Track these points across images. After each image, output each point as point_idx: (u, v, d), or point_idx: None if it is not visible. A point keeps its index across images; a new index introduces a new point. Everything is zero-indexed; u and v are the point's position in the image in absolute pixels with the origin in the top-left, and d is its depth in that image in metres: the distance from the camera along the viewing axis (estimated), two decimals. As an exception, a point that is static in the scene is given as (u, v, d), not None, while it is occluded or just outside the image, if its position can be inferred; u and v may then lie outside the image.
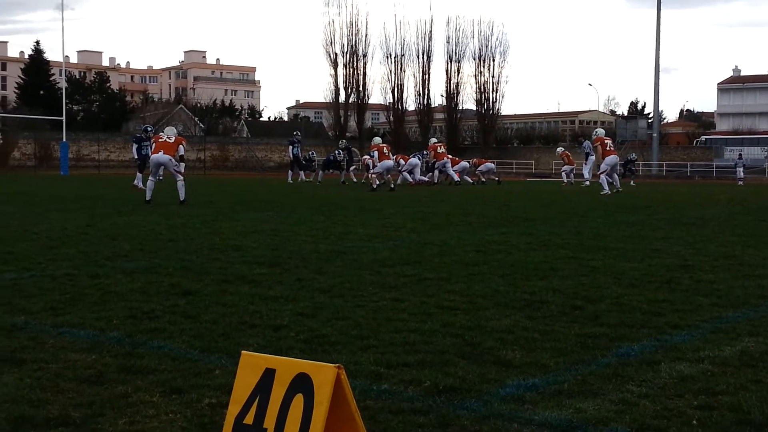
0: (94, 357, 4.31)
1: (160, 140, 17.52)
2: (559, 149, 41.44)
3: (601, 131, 25.28)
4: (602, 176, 23.69)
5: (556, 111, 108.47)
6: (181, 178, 17.37)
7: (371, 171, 27.02)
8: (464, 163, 33.25)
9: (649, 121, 68.30)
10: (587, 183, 31.00)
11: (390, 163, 26.58)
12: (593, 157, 33.18)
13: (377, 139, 28.63)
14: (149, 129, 28.38)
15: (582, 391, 3.82)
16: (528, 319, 5.40)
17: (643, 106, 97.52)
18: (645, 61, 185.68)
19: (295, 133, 36.30)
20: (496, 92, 71.34)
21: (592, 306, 5.84)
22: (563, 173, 36.40)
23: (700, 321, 5.40)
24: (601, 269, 7.64)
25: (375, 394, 3.72)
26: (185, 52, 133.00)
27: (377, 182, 25.24)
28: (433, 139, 35.58)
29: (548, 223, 12.96)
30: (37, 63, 77.08)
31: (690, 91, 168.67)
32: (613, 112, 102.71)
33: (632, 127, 66.40)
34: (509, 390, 3.81)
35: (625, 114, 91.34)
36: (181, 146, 17.38)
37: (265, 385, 2.79)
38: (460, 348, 4.59)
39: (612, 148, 23.94)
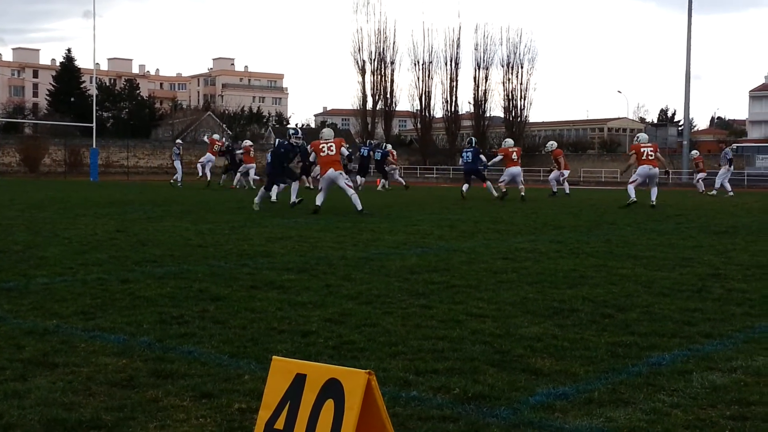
0: (124, 361, 4.35)
1: (322, 153, 16.34)
2: (694, 152, 35.36)
3: (643, 136, 21.86)
4: (630, 186, 21.00)
5: (585, 118, 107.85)
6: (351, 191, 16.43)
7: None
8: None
9: (680, 128, 67.76)
10: (714, 192, 30.22)
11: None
12: (729, 167, 31.41)
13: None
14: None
15: (613, 400, 3.78)
16: (557, 327, 5.37)
17: (673, 114, 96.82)
18: (675, 68, 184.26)
19: (368, 141, 37.74)
20: (524, 99, 71.26)
21: (623, 315, 5.79)
22: (698, 181, 32.77)
23: (732, 330, 5.33)
24: (631, 278, 7.58)
25: (404, 401, 3.71)
26: (214, 60, 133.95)
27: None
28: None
29: (577, 231, 12.88)
30: (68, 70, 78.04)
31: (721, 98, 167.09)
32: (642, 120, 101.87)
33: (662, 135, 65.79)
34: (539, 398, 3.79)
35: (655, 121, 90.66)
36: (342, 147, 16.42)
37: (295, 390, 2.79)
38: (489, 355, 4.57)
39: (649, 158, 20.69)
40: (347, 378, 2.68)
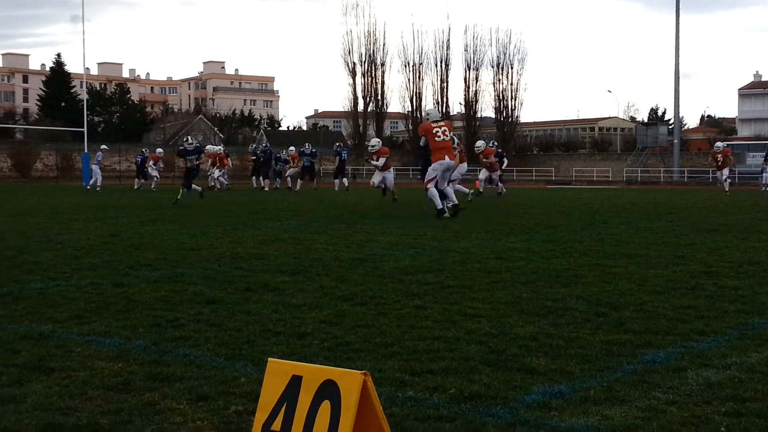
0: (120, 365, 4.35)
1: (437, 138, 14.60)
2: (719, 144, 31.33)
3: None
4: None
5: (576, 118, 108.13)
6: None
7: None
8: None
9: (670, 127, 67.93)
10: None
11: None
12: None
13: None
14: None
15: (608, 398, 3.80)
16: (552, 326, 5.38)
17: (664, 113, 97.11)
18: (665, 67, 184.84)
19: (337, 144, 37.81)
20: (515, 100, 71.44)
21: (617, 313, 5.81)
22: (723, 178, 29.77)
23: (725, 327, 5.35)
24: (624, 276, 7.60)
25: (400, 401, 3.72)
26: (204, 63, 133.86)
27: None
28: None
29: (570, 230, 12.91)
30: (58, 75, 77.94)
31: (710, 96, 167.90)
32: (633, 119, 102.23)
33: (653, 134, 66.08)
34: (535, 397, 3.80)
35: (646, 120, 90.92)
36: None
37: (292, 391, 2.80)
38: (484, 355, 4.58)
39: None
40: (343, 379, 2.69)
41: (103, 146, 38.69)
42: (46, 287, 6.97)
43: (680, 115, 61.07)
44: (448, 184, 15.02)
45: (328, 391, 2.71)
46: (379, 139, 24.42)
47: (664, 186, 42.35)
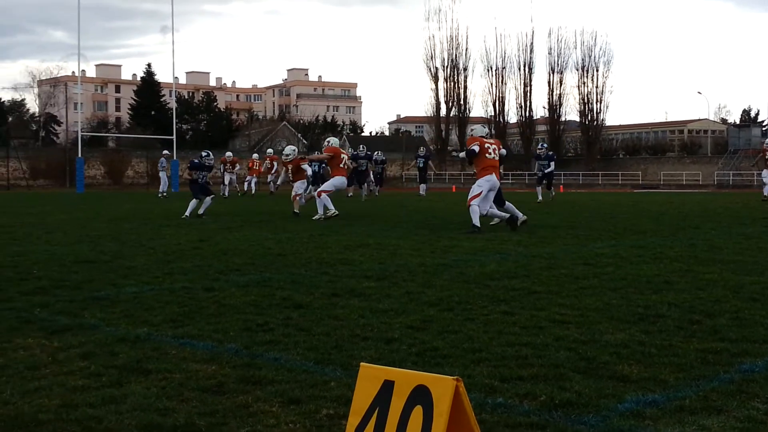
0: (214, 367, 4.45)
1: (488, 155, 14.02)
2: None
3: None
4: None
5: (664, 120, 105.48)
6: None
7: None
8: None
9: (764, 128, 65.71)
10: None
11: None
12: None
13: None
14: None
15: (705, 407, 3.70)
16: (643, 333, 5.27)
17: (757, 114, 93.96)
18: (758, 67, 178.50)
19: (421, 148, 37.91)
20: (601, 102, 70.06)
21: (711, 320, 5.66)
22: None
23: (828, 336, 5.15)
24: (718, 283, 7.39)
25: (490, 408, 3.70)
26: (288, 70, 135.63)
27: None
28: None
29: (659, 236, 12.62)
30: (148, 85, 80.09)
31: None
32: (724, 121, 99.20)
33: (745, 136, 64.02)
34: (628, 405, 3.73)
35: (738, 122, 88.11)
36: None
37: (384, 396, 2.82)
38: (574, 362, 4.53)
39: (344, 166, 17.68)
40: (435, 384, 2.70)
41: (165, 151, 39.58)
42: (141, 291, 7.19)
43: (774, 116, 58.96)
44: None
45: (421, 396, 2.72)
46: (294, 147, 20.92)
47: (757, 190, 40.76)
